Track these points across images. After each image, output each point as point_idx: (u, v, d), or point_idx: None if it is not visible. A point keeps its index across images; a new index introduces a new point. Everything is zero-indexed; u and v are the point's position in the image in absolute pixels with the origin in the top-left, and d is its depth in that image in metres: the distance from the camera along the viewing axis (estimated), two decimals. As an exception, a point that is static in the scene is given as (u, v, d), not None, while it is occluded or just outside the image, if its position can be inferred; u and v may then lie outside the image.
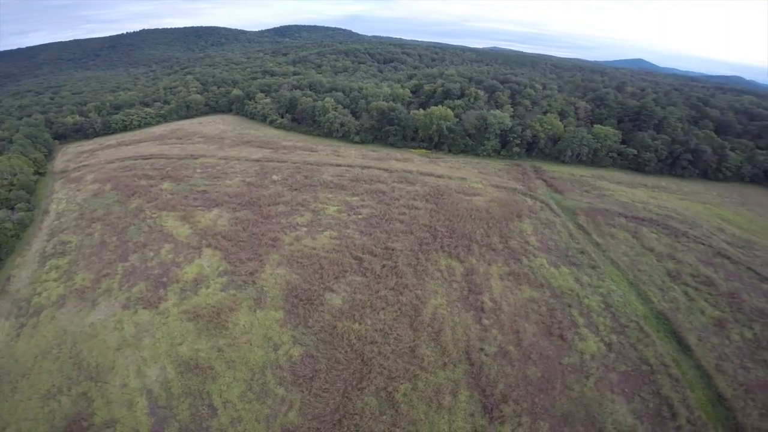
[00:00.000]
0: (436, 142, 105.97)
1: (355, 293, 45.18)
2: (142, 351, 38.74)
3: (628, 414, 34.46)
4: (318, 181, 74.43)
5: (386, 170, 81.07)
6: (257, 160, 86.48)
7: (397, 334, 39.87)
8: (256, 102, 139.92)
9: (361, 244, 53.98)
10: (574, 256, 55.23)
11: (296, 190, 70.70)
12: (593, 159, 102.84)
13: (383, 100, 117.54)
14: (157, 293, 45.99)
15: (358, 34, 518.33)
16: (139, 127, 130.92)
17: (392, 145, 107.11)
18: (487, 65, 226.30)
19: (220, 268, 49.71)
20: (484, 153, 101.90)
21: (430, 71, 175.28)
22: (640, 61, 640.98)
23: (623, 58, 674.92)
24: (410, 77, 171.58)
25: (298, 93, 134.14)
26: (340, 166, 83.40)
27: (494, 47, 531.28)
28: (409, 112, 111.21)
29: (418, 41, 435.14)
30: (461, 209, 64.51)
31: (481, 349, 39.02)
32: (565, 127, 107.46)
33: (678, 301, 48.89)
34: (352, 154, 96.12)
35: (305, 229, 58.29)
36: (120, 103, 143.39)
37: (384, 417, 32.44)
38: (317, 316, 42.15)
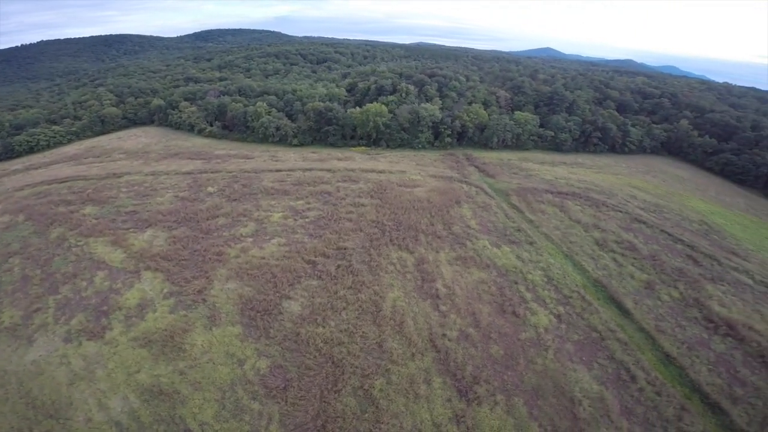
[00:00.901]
0: (375, 138, 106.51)
1: (313, 297, 43.97)
2: (97, 383, 34.93)
3: (592, 381, 36.34)
4: (258, 188, 71.18)
5: (329, 171, 79.81)
6: (189, 173, 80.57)
7: (363, 332, 39.47)
8: (180, 111, 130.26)
9: (312, 248, 52.64)
10: (512, 235, 58.19)
11: (236, 200, 67.00)
12: (517, 143, 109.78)
13: (319, 101, 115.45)
14: (100, 323, 41.50)
15: (287, 36, 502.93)
16: (49, 147, 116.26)
17: (332, 145, 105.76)
18: (415, 60, 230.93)
19: (165, 290, 45.85)
20: (420, 145, 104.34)
21: (363, 69, 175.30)
22: (548, 49, 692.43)
23: (534, 47, 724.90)
24: (345, 76, 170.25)
25: (226, 99, 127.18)
26: (280, 171, 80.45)
27: (420, 42, 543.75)
28: (346, 111, 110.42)
29: (350, 40, 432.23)
30: (405, 201, 65.36)
31: (444, 335, 39.67)
32: (489, 115, 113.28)
33: (609, 268, 52.83)
34: (292, 157, 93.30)
35: (251, 239, 55.52)
36: (22, 123, 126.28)
37: (366, 415, 32.06)
38: (278, 326, 40.47)
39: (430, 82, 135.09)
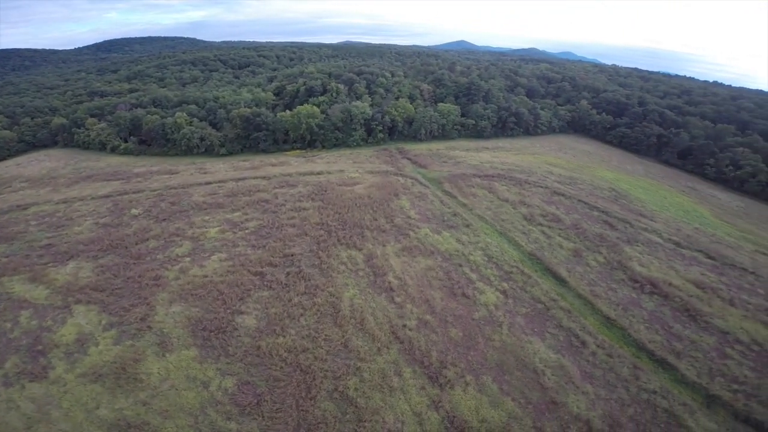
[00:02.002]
0: (309, 140, 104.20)
1: (267, 308, 42.11)
2: (57, 424, 30.97)
3: (548, 351, 37.82)
4: (188, 204, 66.20)
5: (264, 178, 76.61)
6: (107, 196, 72.53)
7: (325, 335, 38.62)
8: (88, 129, 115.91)
9: (257, 259, 50.32)
10: (450, 220, 60.46)
11: (165, 220, 61.69)
12: (443, 133, 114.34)
13: (245, 107, 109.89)
14: (38, 363, 36.60)
15: (204, 41, 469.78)
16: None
17: (264, 151, 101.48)
18: (343, 59, 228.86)
19: (103, 322, 41.41)
20: (354, 143, 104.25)
21: (291, 71, 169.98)
22: (462, 42, 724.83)
23: (450, 41, 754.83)
24: (271, 80, 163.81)
25: (140, 112, 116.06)
26: (210, 183, 75.49)
27: (347, 41, 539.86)
28: (275, 115, 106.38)
29: (274, 42, 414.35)
30: (346, 200, 65.01)
31: (404, 326, 39.96)
32: (415, 109, 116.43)
33: (540, 240, 56.03)
34: (222, 168, 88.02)
35: (188, 258, 51.62)
36: None
37: (347, 416, 31.44)
38: (236, 343, 38.24)
39: (358, 80, 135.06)
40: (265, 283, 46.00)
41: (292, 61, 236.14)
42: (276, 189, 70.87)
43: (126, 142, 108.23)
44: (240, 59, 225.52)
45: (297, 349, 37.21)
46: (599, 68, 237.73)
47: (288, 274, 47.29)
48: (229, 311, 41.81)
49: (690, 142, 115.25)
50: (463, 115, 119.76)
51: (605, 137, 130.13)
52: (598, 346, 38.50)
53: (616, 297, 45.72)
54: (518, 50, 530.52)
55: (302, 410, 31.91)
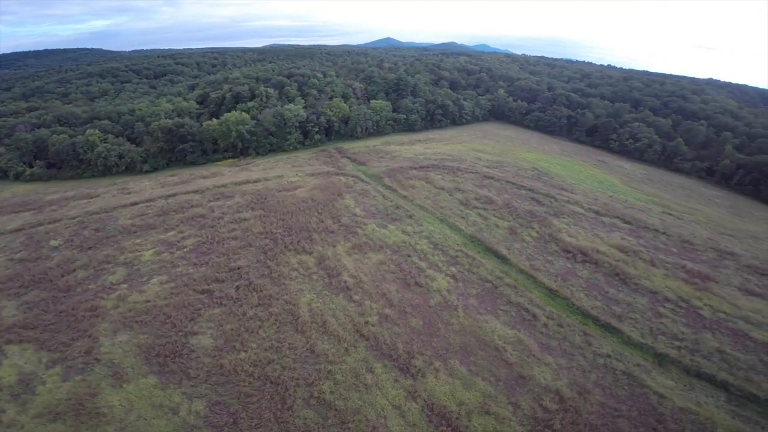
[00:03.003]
0: (241, 148, 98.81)
1: (221, 325, 39.29)
2: None
3: (504, 327, 38.49)
4: (115, 229, 59.64)
5: (196, 192, 71.22)
6: (19, 230, 62.97)
7: (289, 343, 36.89)
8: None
9: (201, 277, 46.79)
10: (393, 213, 60.85)
11: (91, 248, 55.10)
12: (377, 129, 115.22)
13: (166, 118, 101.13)
14: None
15: (112, 52, 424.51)
16: None
17: (193, 163, 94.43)
18: (270, 63, 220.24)
19: (44, 360, 36.47)
20: (291, 147, 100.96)
21: (214, 78, 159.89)
22: (388, 39, 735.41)
23: (377, 38, 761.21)
24: (192, 88, 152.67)
25: (44, 132, 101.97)
26: (137, 204, 68.52)
27: (273, 44, 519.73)
28: (201, 125, 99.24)
29: (193, 49, 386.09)
30: (289, 206, 62.74)
31: (366, 323, 39.40)
32: (350, 107, 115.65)
33: (478, 223, 57.72)
34: (148, 186, 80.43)
35: (125, 285, 46.72)
36: None
37: (329, 420, 30.29)
38: (195, 364, 35.29)
39: (289, 82, 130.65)
40: (215, 300, 43.02)
41: (215, 68, 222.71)
42: (211, 202, 66.30)
43: (32, 167, 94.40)
44: (155, 68, 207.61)
45: (262, 361, 35.33)
46: (511, 58, 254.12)
47: (238, 288, 44.61)
48: (180, 333, 38.67)
49: (595, 120, 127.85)
50: (394, 111, 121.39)
51: (523, 122, 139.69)
52: (547, 317, 39.74)
53: (553, 268, 47.59)
54: (439, 45, 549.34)
55: (282, 422, 30.47)
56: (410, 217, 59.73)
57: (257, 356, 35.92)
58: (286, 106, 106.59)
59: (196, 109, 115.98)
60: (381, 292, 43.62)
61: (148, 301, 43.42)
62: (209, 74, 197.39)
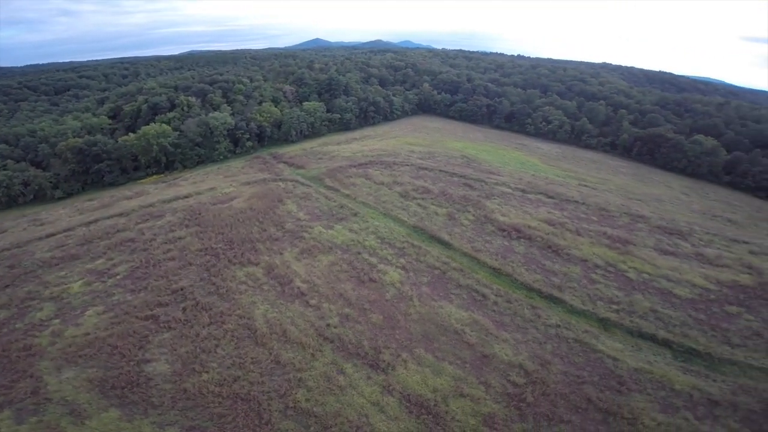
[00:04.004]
0: (166, 162, 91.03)
1: (175, 349, 36.30)
2: None
3: (459, 310, 39.13)
4: (33, 264, 52.24)
5: (121, 215, 64.51)
6: None
7: (252, 358, 34.96)
8: None
9: (141, 302, 42.72)
10: (338, 213, 60.17)
11: (9, 286, 48.00)
12: (313, 131, 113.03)
13: (75, 137, 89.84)
14: None
15: (2, 68, 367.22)
16: None
17: (113, 184, 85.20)
18: (189, 70, 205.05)
19: None
20: (221, 157, 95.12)
21: (126, 89, 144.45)
22: (317, 40, 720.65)
23: (305, 40, 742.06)
24: (102, 101, 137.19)
25: None
26: (54, 235, 60.47)
27: (192, 51, 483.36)
28: (116, 141, 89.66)
29: (99, 60, 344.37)
30: (226, 218, 59.27)
31: (328, 325, 38.49)
32: (282, 111, 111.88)
33: (419, 213, 58.79)
34: (63, 214, 71.23)
35: (57, 320, 41.43)
36: None
37: (311, 428, 29.20)
38: (157, 392, 32.36)
39: (212, 89, 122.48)
40: (162, 325, 39.65)
41: (126, 78, 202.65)
42: (139, 224, 60.56)
43: None
44: (55, 84, 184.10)
45: (227, 380, 33.32)
46: (433, 53, 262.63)
47: (184, 309, 41.39)
48: (132, 363, 35.47)
49: (511, 107, 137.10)
50: (328, 111, 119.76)
51: (448, 113, 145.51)
52: (496, 295, 40.89)
53: (493, 248, 49.37)
54: (367, 43, 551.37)
55: (263, 438, 28.96)
56: (355, 215, 59.55)
57: (221, 375, 33.96)
58: (211, 115, 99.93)
59: (109, 124, 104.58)
60: (337, 293, 42.96)
61: (88, 334, 39.24)
62: (120, 86, 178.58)
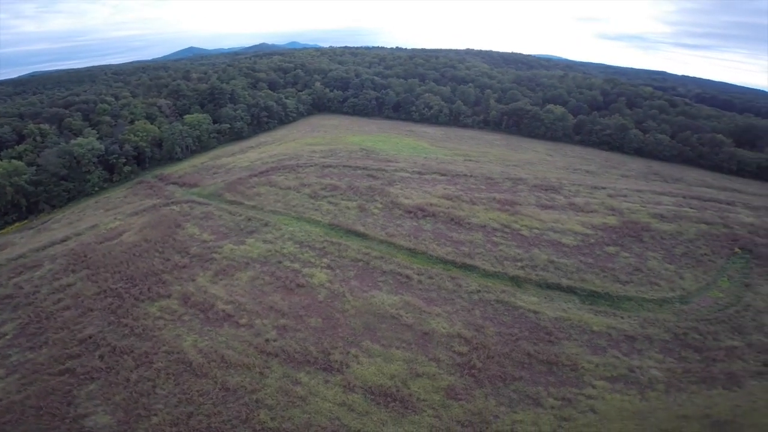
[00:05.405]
0: (27, 205, 75.87)
1: (109, 398, 31.74)
2: None
3: (390, 296, 39.31)
4: None
5: (-20, 274, 52.46)
6: None
7: (197, 390, 31.96)
8: None
9: (47, 358, 36.31)
10: (247, 226, 56.75)
11: None
12: (201, 145, 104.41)
13: None
14: None
15: None
16: None
17: (-45, 242, 68.26)
18: (35, 94, 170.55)
19: None
20: (96, 189, 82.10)
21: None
22: (191, 49, 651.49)
23: (177, 50, 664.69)
24: None
25: None
26: None
27: (34, 72, 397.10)
28: (-52, 191, 71.67)
29: None
30: (119, 255, 52.06)
31: (267, 341, 36.41)
32: (159, 127, 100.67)
33: (331, 210, 58.36)
34: None
35: None
36: None
37: None
38: None
39: (69, 113, 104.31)
40: (82, 377, 34.17)
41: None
42: (13, 279, 50.08)
43: None
44: None
45: (181, 418, 30.26)
46: (321, 51, 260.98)
47: (101, 357, 36.02)
48: (68, 420, 30.50)
49: (396, 98, 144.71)
50: (215, 122, 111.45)
51: (342, 109, 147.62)
52: (417, 273, 41.80)
53: (405, 230, 50.48)
54: (251, 47, 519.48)
55: (241, 469, 26.78)
56: (266, 225, 56.90)
57: (171, 415, 30.77)
58: (73, 142, 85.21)
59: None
60: (267, 307, 40.86)
61: (1, 400, 32.50)
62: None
